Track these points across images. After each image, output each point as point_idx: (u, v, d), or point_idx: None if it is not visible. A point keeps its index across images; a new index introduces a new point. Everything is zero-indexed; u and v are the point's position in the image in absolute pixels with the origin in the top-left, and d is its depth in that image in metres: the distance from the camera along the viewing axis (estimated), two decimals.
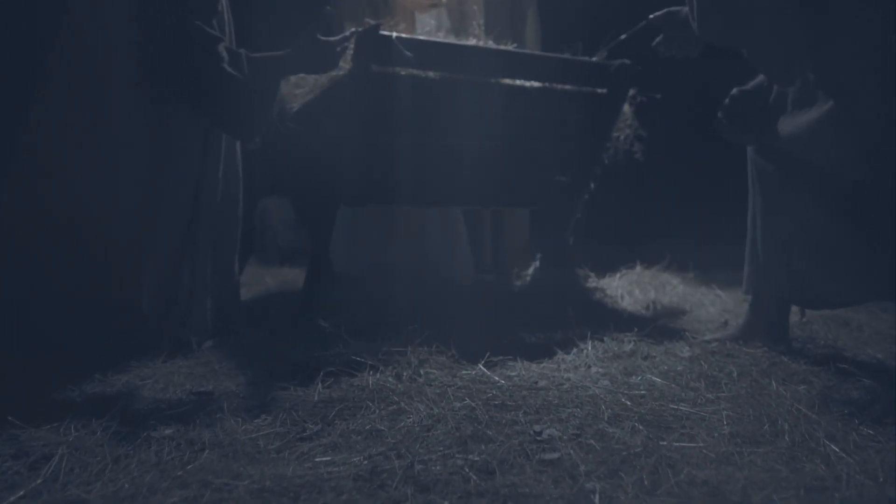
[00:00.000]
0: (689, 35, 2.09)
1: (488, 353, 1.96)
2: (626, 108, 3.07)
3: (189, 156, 2.07)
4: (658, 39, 2.24)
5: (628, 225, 5.32)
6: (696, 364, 2.01)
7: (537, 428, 1.48)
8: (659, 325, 2.56)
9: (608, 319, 2.62)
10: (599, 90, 2.95)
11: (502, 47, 2.67)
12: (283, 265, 4.76)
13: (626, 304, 2.96)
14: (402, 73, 2.54)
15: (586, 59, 2.87)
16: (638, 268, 3.36)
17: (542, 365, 2.00)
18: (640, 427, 1.50)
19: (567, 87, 2.89)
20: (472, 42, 2.69)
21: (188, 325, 2.11)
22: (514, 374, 1.90)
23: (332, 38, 2.14)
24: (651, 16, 2.23)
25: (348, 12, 3.18)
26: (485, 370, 1.87)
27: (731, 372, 1.94)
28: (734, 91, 2.09)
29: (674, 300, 3.05)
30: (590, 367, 2.00)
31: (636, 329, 2.29)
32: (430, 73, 2.58)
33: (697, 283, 3.45)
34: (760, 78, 2.13)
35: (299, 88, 2.66)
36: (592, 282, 3.17)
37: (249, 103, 2.02)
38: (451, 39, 2.68)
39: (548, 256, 3.20)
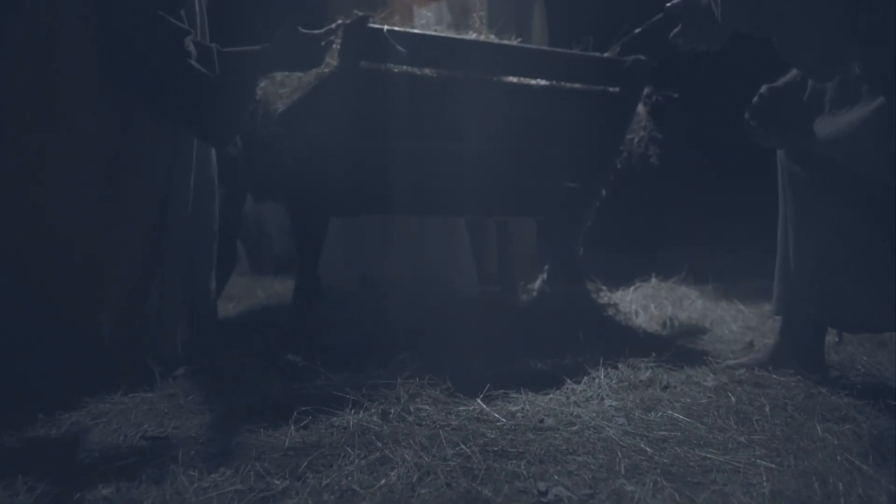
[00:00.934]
0: (712, 25, 1.86)
1: (488, 386, 1.73)
2: (641, 108, 2.85)
3: (155, 163, 1.86)
4: (676, 31, 2.01)
5: (642, 232, 5.10)
6: (723, 396, 1.79)
7: (542, 486, 1.25)
8: (678, 347, 2.34)
9: (622, 340, 2.40)
10: (612, 89, 2.73)
11: (506, 42, 2.45)
12: (279, 274, 4.54)
13: (641, 321, 2.73)
14: (396, 70, 2.32)
15: (597, 54, 2.64)
16: (653, 280, 3.13)
17: (548, 397, 1.78)
18: (665, 483, 1.27)
19: (577, 85, 2.66)
20: (472, 36, 2.47)
21: (156, 353, 1.89)
22: (517, 408, 1.68)
23: (315, 32, 1.92)
24: (668, 4, 2.00)
25: (341, 5, 2.96)
26: (483, 406, 1.65)
27: (762, 406, 1.71)
28: (763, 88, 1.86)
29: (693, 316, 2.81)
30: (603, 399, 1.78)
31: (653, 353, 2.06)
32: (427, 71, 2.36)
33: (717, 296, 3.22)
34: (793, 73, 1.90)
35: (284, 88, 2.45)
36: (604, 296, 2.94)
37: (222, 104, 1.80)
38: (450, 33, 2.46)
39: (556, 269, 2.97)
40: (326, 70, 2.24)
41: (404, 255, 3.12)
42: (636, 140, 2.89)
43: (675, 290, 3.06)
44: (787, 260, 1.99)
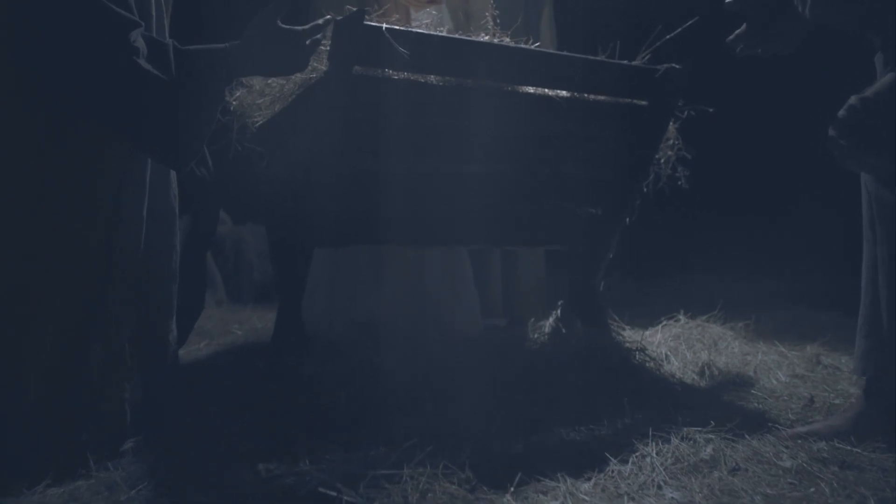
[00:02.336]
0: (789, 22, 1.51)
1: (519, 475, 1.36)
2: (670, 124, 2.50)
3: (97, 189, 1.48)
4: (739, 32, 1.66)
5: (653, 257, 4.77)
6: (809, 482, 1.43)
7: None
8: (727, 405, 1.98)
9: (659, 396, 2.04)
10: (640, 101, 2.38)
11: (524, 46, 2.09)
12: (259, 303, 4.15)
13: (675, 367, 2.36)
14: (396, 77, 1.96)
15: (625, 62, 2.29)
16: (682, 318, 2.77)
17: (591, 482, 1.41)
18: None
19: (601, 97, 2.31)
20: (484, 39, 2.11)
21: (95, 424, 1.51)
22: None
23: (299, 28, 1.56)
24: (730, 0, 1.64)
25: (328, 4, 2.61)
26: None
27: (864, 501, 1.35)
28: (854, 99, 1.51)
29: (731, 362, 2.45)
30: (660, 487, 1.41)
31: (711, 421, 1.70)
32: (432, 79, 2.00)
33: (751, 334, 2.87)
34: (886, 81, 1.55)
35: (263, 97, 2.08)
36: (628, 336, 2.57)
37: (179, 116, 1.43)
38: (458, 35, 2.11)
39: (572, 306, 2.61)
40: (313, 76, 1.88)
41: (400, 290, 2.76)
42: (662, 160, 2.54)
43: (707, 330, 2.70)
44: (875, 309, 1.63)
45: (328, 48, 1.83)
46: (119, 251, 1.53)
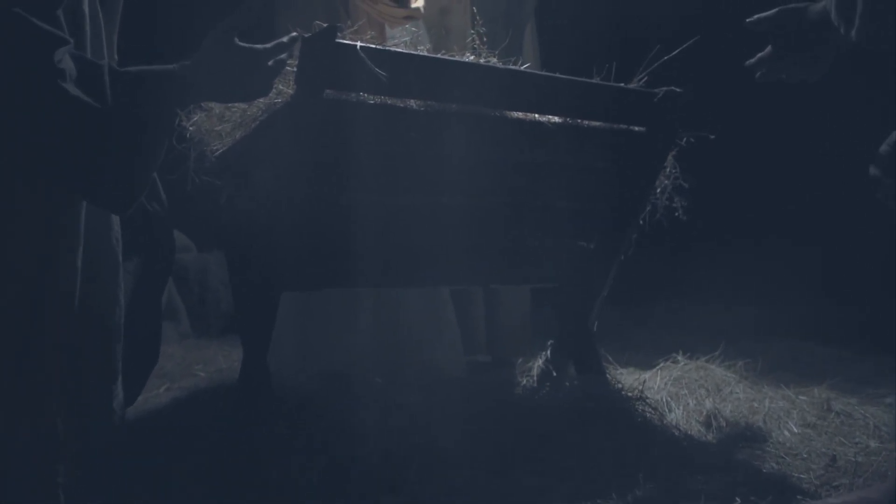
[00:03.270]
0: (821, 44, 1.33)
1: None
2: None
3: (20, 235, 1.24)
4: (763, 55, 1.47)
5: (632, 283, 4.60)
6: None
7: None
8: (742, 465, 1.78)
9: (667, 453, 1.84)
10: (637, 128, 2.19)
11: (514, 67, 1.89)
12: (226, 335, 3.88)
13: (678, 417, 2.16)
14: (372, 101, 1.75)
15: (621, 85, 2.10)
16: (680, 358, 2.57)
17: None
18: None
19: (595, 123, 2.12)
20: (470, 59, 1.90)
21: None
22: None
23: (260, 46, 1.34)
24: (752, 18, 1.45)
25: (293, 20, 2.41)
26: None
27: None
28: None
29: (738, 410, 2.25)
30: None
31: (736, 498, 1.50)
32: (412, 103, 1.79)
33: (754, 374, 2.68)
34: None
35: (224, 123, 1.86)
36: (626, 382, 2.37)
37: (117, 149, 1.20)
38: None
39: (563, 348, 2.40)
40: (278, 100, 1.66)
41: (376, 331, 2.53)
42: (658, 189, 2.35)
43: (709, 373, 2.50)
44: None
45: (295, 69, 1.62)
46: (48, 309, 1.29)
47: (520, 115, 1.97)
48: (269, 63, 1.35)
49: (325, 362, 2.45)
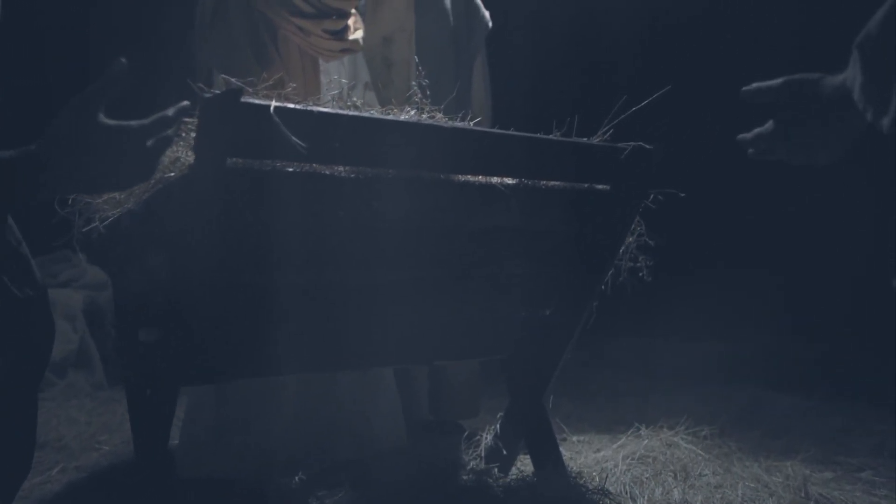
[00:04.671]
0: (838, 123, 1.09)
1: None
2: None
3: None
4: (762, 131, 1.22)
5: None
6: None
7: None
8: None
9: None
10: (600, 186, 1.94)
11: (460, 125, 1.62)
12: (115, 386, 3.40)
13: None
14: (291, 169, 1.46)
15: (582, 140, 1.85)
16: (643, 431, 2.34)
17: None
18: None
19: (553, 183, 1.86)
20: (411, 115, 1.63)
21: None
22: None
23: (135, 123, 1.05)
24: (750, 88, 1.20)
25: (223, 63, 2.12)
26: None
27: None
28: None
29: (710, 496, 2.02)
30: None
31: None
32: (341, 170, 1.51)
33: (720, 449, 2.46)
34: None
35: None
36: (583, 460, 2.12)
37: None
38: (377, 110, 1.60)
39: (515, 425, 2.14)
40: (172, 174, 1.37)
41: (305, 403, 2.25)
42: (622, 248, 2.11)
43: (674, 452, 2.26)
44: None
45: (195, 134, 1.32)
46: None
47: (469, 177, 1.70)
48: (148, 144, 1.05)
49: (245, 440, 2.16)
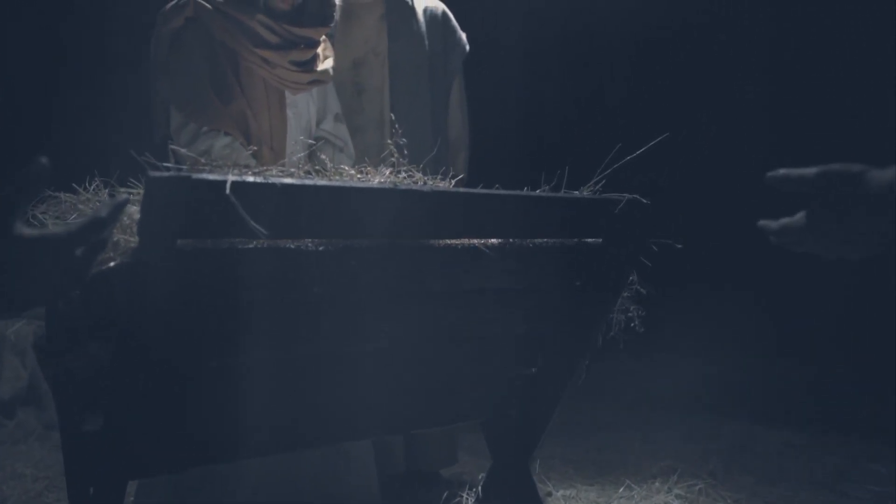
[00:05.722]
0: (884, 217, 0.95)
1: None
2: None
3: None
4: (791, 222, 1.07)
5: None
6: None
7: None
8: None
9: None
10: (592, 240, 1.79)
11: (440, 188, 1.46)
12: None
13: None
14: (251, 245, 1.29)
15: (573, 194, 1.70)
16: (633, 488, 2.20)
17: None
18: None
19: (542, 240, 1.71)
20: (385, 176, 1.46)
21: None
22: None
23: (61, 229, 0.87)
24: (776, 174, 1.05)
25: (181, 99, 1.94)
26: None
27: None
28: None
29: None
30: None
31: None
32: (308, 243, 1.34)
33: (714, 492, 2.34)
34: None
35: None
36: None
37: None
38: (350, 178, 1.43)
39: (498, 489, 1.99)
40: (113, 262, 1.19)
41: (270, 466, 2.08)
42: (616, 303, 1.96)
43: None
44: None
45: (139, 217, 1.15)
46: None
47: (450, 241, 1.54)
48: (77, 254, 0.88)
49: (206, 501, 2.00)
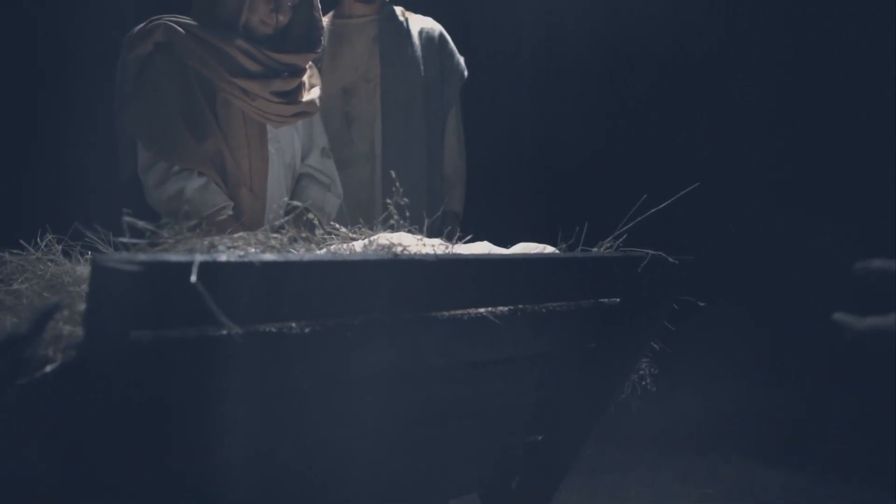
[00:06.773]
0: None
1: None
2: None
3: None
4: (881, 323, 0.88)
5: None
6: None
7: None
8: None
9: None
10: (608, 300, 1.61)
11: (444, 254, 1.26)
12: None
13: None
14: (226, 332, 1.09)
15: (590, 253, 1.51)
16: None
17: None
18: None
19: (555, 304, 1.52)
20: (379, 236, 1.26)
21: None
22: None
23: None
24: (866, 264, 0.87)
25: (149, 134, 1.74)
26: None
27: None
28: None
29: None
30: None
31: None
32: (293, 326, 1.14)
33: None
34: None
35: None
36: None
37: None
38: (339, 242, 1.23)
39: None
40: (53, 363, 0.98)
41: None
42: (635, 367, 1.78)
43: None
44: None
45: (84, 309, 0.95)
46: None
47: (455, 311, 1.34)
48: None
49: None
